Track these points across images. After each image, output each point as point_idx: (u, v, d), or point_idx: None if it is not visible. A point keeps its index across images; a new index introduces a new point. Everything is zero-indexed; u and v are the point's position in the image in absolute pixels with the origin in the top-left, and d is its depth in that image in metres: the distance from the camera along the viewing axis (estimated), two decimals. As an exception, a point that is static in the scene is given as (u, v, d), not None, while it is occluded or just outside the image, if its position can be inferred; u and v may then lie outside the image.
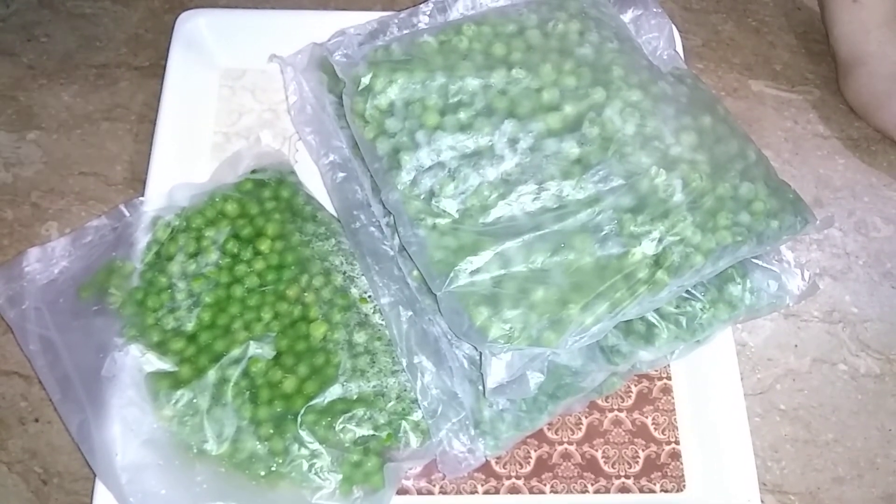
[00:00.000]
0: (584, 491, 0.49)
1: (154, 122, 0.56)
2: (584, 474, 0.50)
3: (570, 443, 0.50)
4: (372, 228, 0.51)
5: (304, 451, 0.45)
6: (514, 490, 0.49)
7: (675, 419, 0.51)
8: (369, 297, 0.50)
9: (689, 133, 0.47)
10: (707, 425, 0.50)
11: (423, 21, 0.52)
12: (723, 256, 0.45)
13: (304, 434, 0.45)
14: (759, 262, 0.49)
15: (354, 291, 0.50)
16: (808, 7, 0.73)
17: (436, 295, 0.44)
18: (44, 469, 0.49)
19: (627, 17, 0.55)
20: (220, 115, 0.60)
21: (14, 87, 0.63)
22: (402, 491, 0.48)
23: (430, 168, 0.46)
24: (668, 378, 0.53)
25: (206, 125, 0.60)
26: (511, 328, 0.41)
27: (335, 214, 0.54)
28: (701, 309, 0.47)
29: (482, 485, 0.49)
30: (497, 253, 0.43)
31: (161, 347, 0.47)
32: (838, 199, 0.63)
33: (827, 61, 0.70)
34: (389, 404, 0.46)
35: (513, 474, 0.49)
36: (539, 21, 0.50)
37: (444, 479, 0.49)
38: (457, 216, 0.44)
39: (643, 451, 0.50)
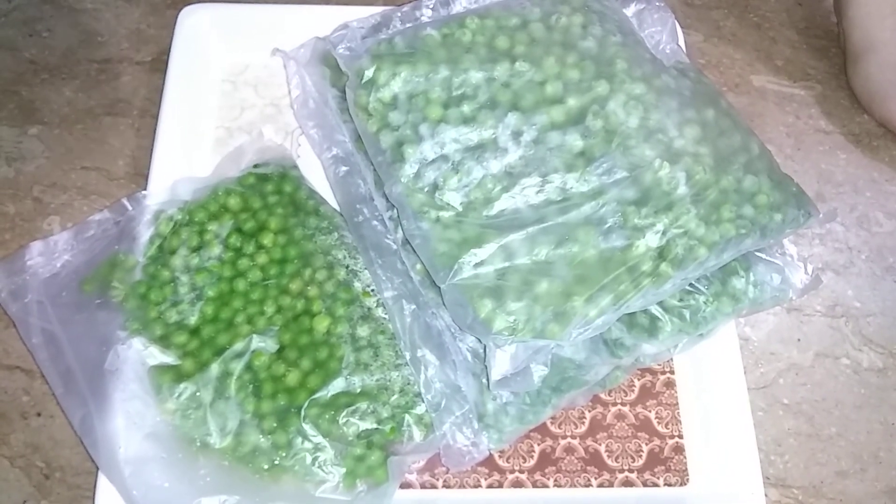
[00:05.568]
0: (588, 485, 0.49)
1: (156, 117, 0.56)
2: (588, 468, 0.50)
3: (573, 437, 0.50)
4: (375, 222, 0.51)
5: (307, 445, 0.45)
6: (517, 484, 0.49)
7: (678, 413, 0.51)
8: (372, 290, 0.50)
9: (692, 126, 0.47)
10: (710, 419, 0.50)
11: (426, 14, 0.52)
12: (726, 249, 0.45)
13: (307, 428, 0.45)
14: (763, 256, 0.49)
15: (357, 285, 0.50)
16: (809, 2, 0.73)
17: (439, 288, 0.43)
18: (46, 463, 0.49)
19: (630, 11, 0.55)
20: (223, 109, 0.60)
21: (16, 82, 0.63)
22: (406, 485, 0.48)
23: (433, 161, 0.46)
24: (672, 372, 0.53)
25: (208, 120, 0.60)
26: (515, 320, 0.41)
27: (338, 208, 0.54)
28: (704, 302, 0.47)
29: (485, 478, 0.49)
30: (501, 245, 0.43)
31: (164, 341, 0.47)
32: (840, 193, 0.63)
33: (828, 56, 0.70)
34: (393, 398, 0.46)
35: (516, 468, 0.49)
36: (542, 14, 0.50)
37: (447, 473, 0.49)
38: (460, 209, 0.44)
39: (646, 444, 0.50)
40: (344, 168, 0.53)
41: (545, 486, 0.49)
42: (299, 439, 0.45)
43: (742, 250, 0.46)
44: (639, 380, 0.52)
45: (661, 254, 0.44)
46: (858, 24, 0.64)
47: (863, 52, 0.64)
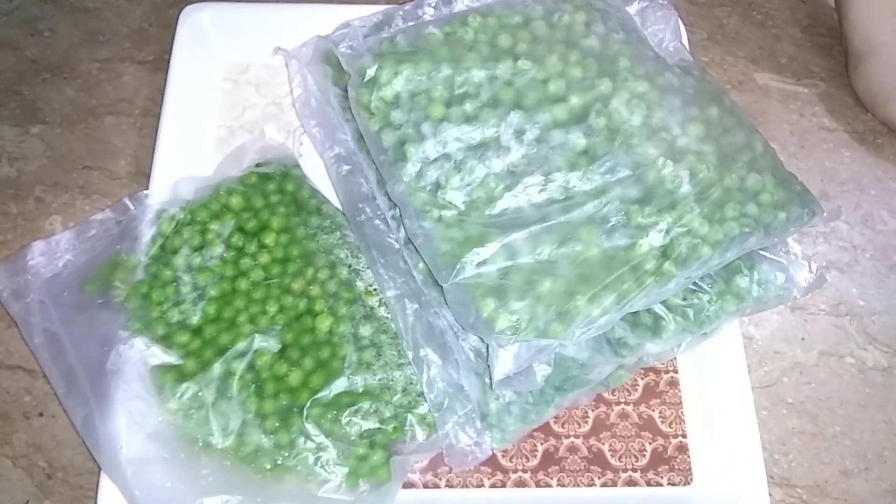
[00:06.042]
0: (591, 484, 0.49)
1: (158, 117, 0.55)
2: (591, 468, 0.49)
3: (576, 436, 0.50)
4: (377, 221, 0.50)
5: (309, 445, 0.45)
6: (520, 483, 0.49)
7: (681, 412, 0.51)
8: (375, 290, 0.50)
9: (695, 124, 0.47)
10: (714, 418, 0.50)
11: (428, 13, 0.52)
12: (730, 248, 0.45)
13: (309, 427, 0.45)
14: (767, 254, 0.49)
15: (360, 284, 0.50)
16: (813, 0, 0.73)
17: (442, 287, 0.43)
18: (48, 463, 0.49)
19: (633, 8, 0.55)
20: (224, 108, 0.60)
21: (17, 82, 0.63)
22: (409, 484, 0.48)
23: (435, 160, 0.45)
24: (675, 371, 0.53)
25: (210, 119, 0.59)
26: (518, 319, 0.41)
27: (340, 207, 0.54)
28: (708, 301, 0.47)
29: (488, 478, 0.49)
30: (503, 244, 0.43)
31: (166, 340, 0.47)
32: (844, 192, 0.63)
33: (832, 54, 0.69)
34: (395, 397, 0.46)
35: (519, 467, 0.49)
36: (545, 12, 0.50)
37: (450, 473, 0.49)
38: (463, 208, 0.44)
39: (650, 444, 0.50)
40: (346, 167, 0.52)
41: (548, 485, 0.49)
42: (302, 439, 0.45)
43: (746, 249, 0.46)
44: (642, 379, 0.52)
45: (665, 252, 0.43)
46: (859, 26, 0.64)
47: (864, 54, 0.64)
